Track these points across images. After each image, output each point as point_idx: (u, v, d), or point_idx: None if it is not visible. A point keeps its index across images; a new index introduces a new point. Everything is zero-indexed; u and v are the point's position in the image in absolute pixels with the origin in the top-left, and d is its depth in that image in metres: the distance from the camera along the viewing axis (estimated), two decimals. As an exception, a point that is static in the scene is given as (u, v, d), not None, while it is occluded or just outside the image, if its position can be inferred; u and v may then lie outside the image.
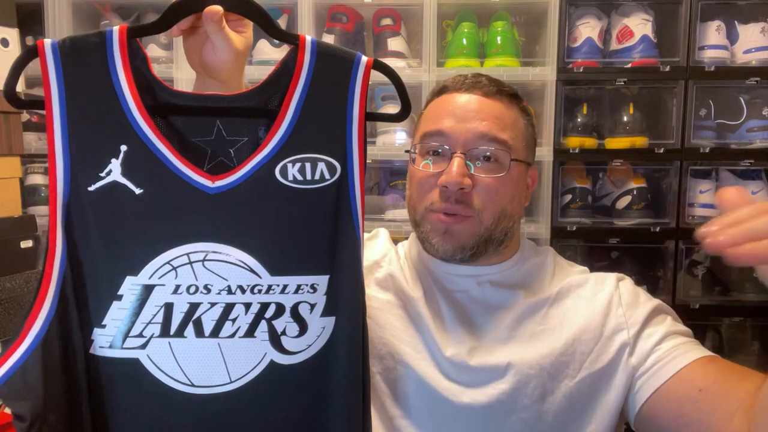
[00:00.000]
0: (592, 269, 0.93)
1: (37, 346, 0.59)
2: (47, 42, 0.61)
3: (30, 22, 1.70)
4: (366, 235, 0.97)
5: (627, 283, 0.88)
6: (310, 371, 0.64)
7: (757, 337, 1.79)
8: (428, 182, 0.84)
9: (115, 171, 0.61)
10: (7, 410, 1.28)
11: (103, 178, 0.61)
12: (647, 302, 0.85)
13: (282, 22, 1.78)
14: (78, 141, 0.61)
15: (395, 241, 1.00)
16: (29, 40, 1.74)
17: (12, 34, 1.35)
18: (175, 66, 1.69)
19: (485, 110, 0.84)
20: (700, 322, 1.77)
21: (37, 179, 1.78)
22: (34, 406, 0.59)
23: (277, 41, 1.69)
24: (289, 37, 0.65)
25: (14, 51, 1.35)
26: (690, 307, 1.70)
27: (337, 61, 0.65)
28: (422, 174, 0.85)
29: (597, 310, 0.83)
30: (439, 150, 0.84)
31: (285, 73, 0.65)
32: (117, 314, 0.61)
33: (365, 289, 0.82)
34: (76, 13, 1.75)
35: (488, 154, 0.82)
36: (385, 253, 0.94)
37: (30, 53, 0.62)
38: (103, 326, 0.62)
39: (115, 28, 0.62)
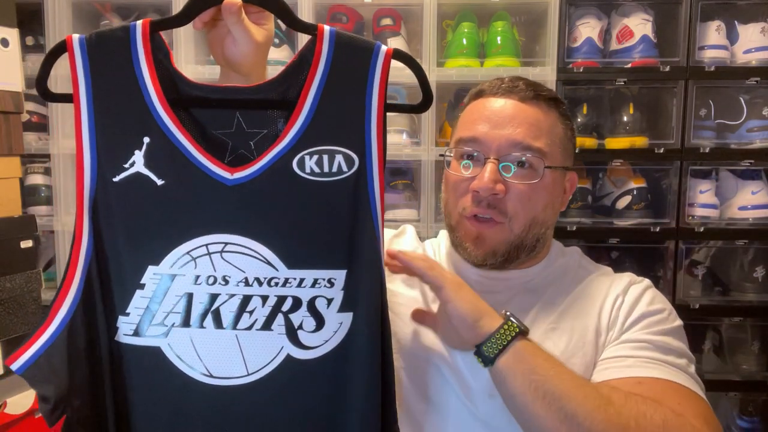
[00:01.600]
0: (592, 269, 0.94)
1: (62, 330, 0.61)
2: (75, 37, 0.63)
3: (30, 22, 1.70)
4: (393, 232, 0.98)
5: (637, 288, 0.86)
6: (327, 367, 0.64)
7: (757, 337, 1.79)
8: (461, 186, 0.85)
9: (138, 162, 0.63)
10: (8, 410, 1.28)
11: (126, 169, 0.63)
12: (641, 308, 0.83)
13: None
14: (104, 133, 0.63)
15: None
16: (29, 40, 1.73)
17: (12, 34, 1.35)
18: (175, 62, 1.69)
19: (521, 116, 0.83)
20: (700, 322, 1.77)
21: (37, 179, 1.78)
22: (58, 389, 0.61)
23: (277, 41, 1.70)
24: (308, 27, 0.65)
25: (14, 51, 1.35)
26: (690, 307, 1.70)
27: (355, 51, 0.64)
28: (456, 178, 0.85)
29: (605, 307, 0.84)
30: (474, 154, 0.84)
31: (304, 63, 0.64)
32: (140, 303, 0.63)
33: (390, 285, 0.83)
34: (76, 13, 1.75)
35: (522, 160, 0.82)
36: (412, 250, 0.94)
37: (59, 48, 0.63)
38: (127, 314, 0.63)
39: (139, 22, 0.63)
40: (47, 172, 1.75)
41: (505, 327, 0.71)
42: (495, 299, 0.86)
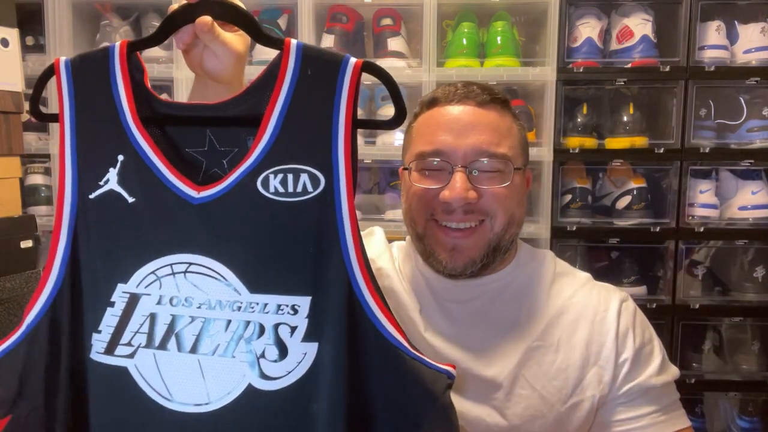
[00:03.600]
0: (592, 269, 0.92)
1: (24, 339, 0.62)
2: (62, 60, 0.65)
3: (30, 22, 1.70)
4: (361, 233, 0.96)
5: (628, 307, 0.85)
6: (289, 400, 0.60)
7: (757, 337, 1.79)
8: (428, 196, 0.81)
9: (112, 180, 0.63)
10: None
11: (101, 186, 0.63)
12: (640, 335, 0.83)
13: (282, 22, 1.78)
14: (84, 151, 0.64)
15: (390, 241, 0.97)
16: (29, 40, 1.74)
17: (12, 34, 1.35)
18: (175, 66, 1.69)
19: (482, 122, 0.81)
20: (700, 322, 1.77)
21: (37, 179, 1.78)
22: (7, 391, 0.62)
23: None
24: (275, 42, 0.63)
25: (14, 51, 1.35)
26: (690, 307, 1.70)
27: (323, 65, 0.61)
28: (420, 189, 0.81)
29: (596, 335, 0.82)
30: (435, 164, 0.81)
31: (270, 78, 0.62)
32: (110, 321, 0.62)
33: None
34: (76, 13, 1.75)
35: (488, 167, 0.80)
36: (380, 253, 0.92)
37: (48, 72, 0.66)
38: (99, 331, 0.62)
39: (117, 43, 0.64)
40: (47, 172, 1.75)
41: None
42: (471, 307, 0.85)
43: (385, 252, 0.92)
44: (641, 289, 1.74)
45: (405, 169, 0.87)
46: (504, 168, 0.80)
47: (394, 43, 1.73)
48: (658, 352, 0.83)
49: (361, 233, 0.95)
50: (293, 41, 0.62)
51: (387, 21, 1.76)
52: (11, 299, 1.32)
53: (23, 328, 0.62)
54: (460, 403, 0.77)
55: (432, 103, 0.85)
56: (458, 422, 0.63)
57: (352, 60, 0.61)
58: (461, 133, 0.80)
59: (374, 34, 1.80)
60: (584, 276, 0.89)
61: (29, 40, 1.73)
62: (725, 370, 1.79)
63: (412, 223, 0.84)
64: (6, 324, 1.30)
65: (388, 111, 1.71)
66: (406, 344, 0.61)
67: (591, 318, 0.83)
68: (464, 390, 0.79)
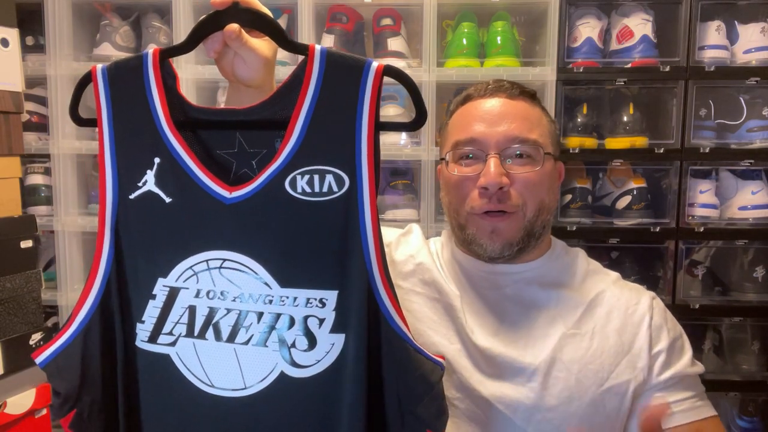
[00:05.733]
0: (593, 269, 0.95)
1: (80, 332, 0.67)
2: (99, 67, 0.68)
3: (30, 22, 1.70)
4: (399, 231, 1.00)
5: (659, 304, 0.90)
6: (318, 387, 0.64)
7: (757, 337, 1.79)
8: (466, 185, 0.86)
9: (150, 181, 0.67)
10: (8, 410, 1.28)
11: (140, 187, 0.67)
12: (671, 330, 0.87)
13: (282, 22, 1.78)
14: (122, 154, 0.68)
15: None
16: (29, 40, 1.74)
17: (12, 34, 1.35)
18: (176, 66, 1.69)
19: (513, 112, 0.86)
20: (700, 322, 1.77)
21: (37, 179, 1.78)
22: (70, 384, 0.67)
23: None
24: (300, 48, 0.66)
25: (14, 51, 1.35)
26: (690, 307, 1.70)
27: (346, 69, 0.64)
28: (458, 178, 0.87)
29: (629, 326, 0.86)
30: (471, 155, 0.86)
31: (296, 83, 0.65)
32: (152, 312, 0.67)
33: (404, 284, 0.87)
34: (76, 13, 1.75)
35: (520, 152, 0.85)
36: (419, 249, 0.96)
37: (86, 78, 0.70)
38: (143, 321, 0.68)
39: (150, 51, 0.68)
40: (47, 172, 1.75)
41: None
42: (507, 293, 0.89)
43: (424, 247, 0.97)
44: (641, 289, 1.74)
45: (442, 159, 0.92)
46: (535, 154, 0.85)
47: (394, 43, 1.73)
48: (688, 346, 0.88)
49: (400, 231, 0.99)
50: (317, 47, 0.65)
51: (387, 21, 1.76)
52: (11, 299, 1.32)
53: (76, 324, 0.67)
54: (499, 387, 0.82)
55: (465, 99, 0.92)
56: (448, 411, 0.68)
57: (374, 64, 0.64)
58: (494, 122, 0.85)
59: (374, 34, 1.80)
60: (615, 275, 0.95)
61: (29, 40, 1.73)
62: (725, 370, 1.78)
63: (455, 213, 0.89)
64: (6, 324, 1.30)
65: (386, 112, 1.71)
66: (411, 336, 0.66)
67: (623, 310, 0.87)
68: (503, 375, 0.83)
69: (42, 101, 1.75)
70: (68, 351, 0.67)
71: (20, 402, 1.30)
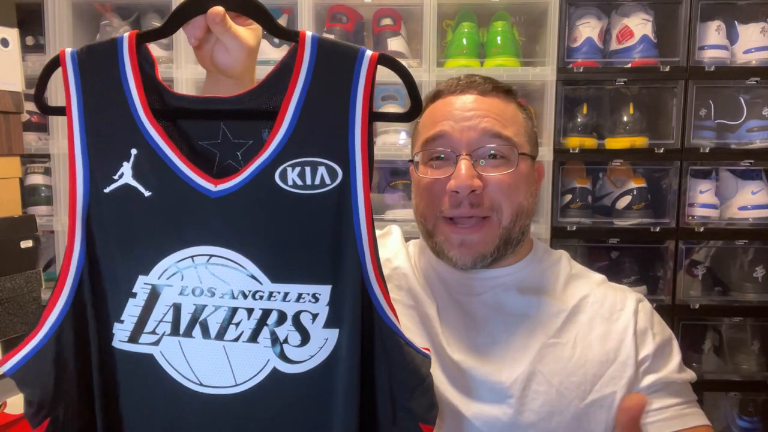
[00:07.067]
0: (592, 269, 0.91)
1: (51, 336, 0.62)
2: (68, 51, 0.64)
3: (30, 22, 1.70)
4: (378, 232, 0.94)
5: (645, 307, 0.84)
6: (312, 382, 0.63)
7: (757, 337, 1.79)
8: (435, 188, 0.81)
9: (126, 174, 0.63)
10: (8, 410, 1.28)
11: (116, 180, 0.63)
12: (658, 334, 0.82)
13: (282, 22, 1.76)
14: (95, 145, 0.63)
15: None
16: (29, 40, 1.74)
17: (12, 34, 1.35)
18: (175, 66, 1.69)
19: (484, 107, 0.81)
20: (700, 322, 1.77)
21: (37, 179, 1.78)
22: (43, 392, 0.62)
23: (277, 41, 1.70)
24: (289, 34, 0.63)
25: (14, 51, 1.35)
26: (690, 307, 1.70)
27: (338, 57, 0.61)
28: (428, 181, 0.81)
29: (614, 333, 0.81)
30: (443, 155, 0.81)
31: (285, 71, 0.62)
32: (133, 311, 0.64)
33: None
34: (76, 13, 1.75)
35: (493, 152, 0.80)
36: (396, 252, 0.91)
37: (53, 63, 0.65)
38: (122, 321, 0.64)
39: (126, 34, 0.63)
40: (47, 172, 1.75)
41: None
42: (485, 300, 0.84)
43: (402, 250, 0.92)
44: (641, 289, 1.74)
45: (411, 161, 0.87)
46: (509, 154, 0.80)
47: (394, 43, 1.73)
48: (676, 351, 0.83)
49: (378, 232, 0.96)
50: (308, 33, 0.62)
51: (387, 21, 1.76)
52: (11, 299, 1.32)
53: (46, 328, 0.62)
54: (475, 403, 0.77)
55: (436, 96, 0.86)
56: (438, 403, 0.66)
57: (368, 52, 0.61)
58: (464, 118, 0.81)
59: (374, 34, 1.80)
60: (599, 277, 0.89)
61: (29, 40, 1.73)
62: (725, 370, 1.79)
63: (422, 219, 0.85)
64: (6, 324, 1.30)
65: (388, 110, 1.71)
66: (401, 329, 0.64)
67: (607, 316, 0.82)
68: (479, 391, 0.78)
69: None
70: (39, 356, 0.62)
71: (20, 402, 1.30)
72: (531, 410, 0.76)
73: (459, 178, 0.77)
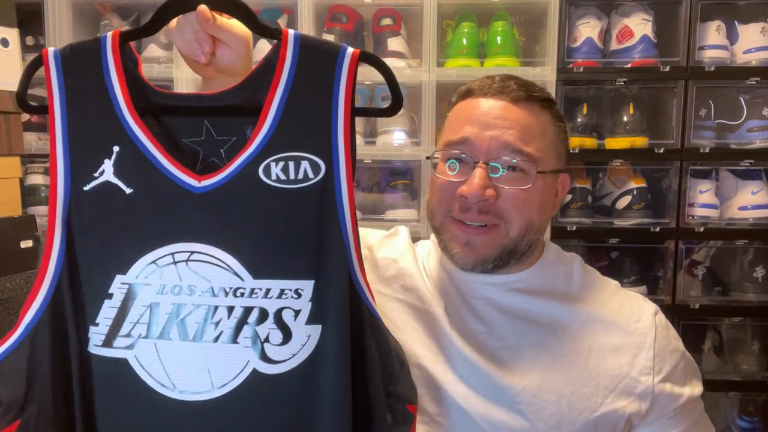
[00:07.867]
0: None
1: (25, 337, 0.61)
2: (50, 50, 0.64)
3: (30, 22, 1.70)
4: (384, 233, 0.95)
5: (661, 321, 0.83)
6: (294, 383, 0.61)
7: (757, 337, 1.79)
8: (448, 189, 0.80)
9: (107, 171, 0.62)
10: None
11: (96, 178, 0.62)
12: (675, 351, 0.81)
13: (282, 22, 1.78)
14: (76, 143, 0.63)
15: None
16: (29, 40, 1.74)
17: (12, 34, 1.34)
18: (175, 66, 1.69)
19: (512, 118, 0.78)
20: (700, 322, 1.77)
21: (37, 179, 1.78)
22: (14, 393, 0.61)
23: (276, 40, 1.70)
24: (272, 32, 0.64)
25: (14, 51, 1.35)
26: (690, 307, 1.70)
27: (320, 55, 0.63)
28: (442, 181, 0.81)
29: (628, 345, 0.79)
30: (462, 157, 0.80)
31: (269, 68, 0.63)
32: (108, 313, 0.62)
33: (385, 290, 0.83)
34: (76, 13, 1.75)
35: (512, 164, 0.78)
36: (403, 253, 0.90)
37: (36, 62, 0.65)
38: (97, 324, 0.62)
39: (109, 33, 0.63)
40: (47, 172, 1.75)
41: None
42: (491, 304, 0.83)
43: (408, 251, 0.91)
44: (641, 289, 1.74)
45: (428, 158, 0.88)
46: (528, 169, 0.78)
47: (394, 43, 1.73)
48: (691, 365, 0.83)
49: (384, 233, 0.94)
50: (291, 31, 0.63)
51: (387, 21, 1.76)
52: (11, 299, 1.32)
53: (22, 327, 0.62)
54: (485, 406, 0.76)
55: (467, 94, 0.84)
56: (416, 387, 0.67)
57: (350, 50, 0.63)
58: (489, 126, 0.78)
59: (374, 34, 1.80)
60: (614, 284, 0.88)
61: (29, 40, 1.73)
62: (725, 370, 1.79)
63: (431, 215, 0.84)
64: (6, 324, 1.30)
65: (388, 111, 1.71)
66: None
67: (623, 327, 0.81)
68: (489, 392, 0.77)
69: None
70: (13, 356, 0.61)
71: None
72: (540, 419, 0.75)
73: (471, 185, 0.76)
